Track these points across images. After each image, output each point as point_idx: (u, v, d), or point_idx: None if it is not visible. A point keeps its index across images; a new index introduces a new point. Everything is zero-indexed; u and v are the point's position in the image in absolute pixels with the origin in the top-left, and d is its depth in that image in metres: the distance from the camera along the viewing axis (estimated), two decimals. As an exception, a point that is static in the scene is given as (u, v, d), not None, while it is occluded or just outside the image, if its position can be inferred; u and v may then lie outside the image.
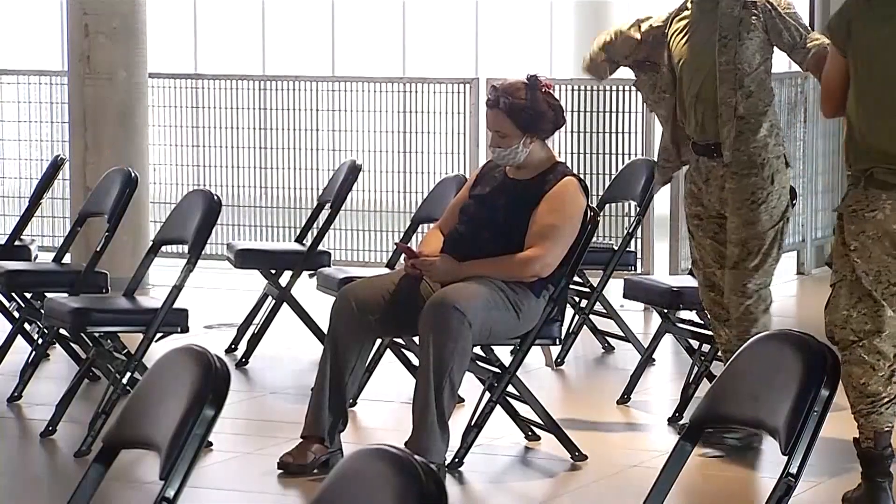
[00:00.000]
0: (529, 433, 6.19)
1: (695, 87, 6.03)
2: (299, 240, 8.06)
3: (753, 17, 5.96)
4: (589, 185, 6.40)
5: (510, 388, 5.94)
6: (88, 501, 3.35)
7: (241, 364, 7.58)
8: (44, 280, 7.32)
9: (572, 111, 9.54)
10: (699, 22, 6.05)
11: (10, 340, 7.26)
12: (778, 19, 5.94)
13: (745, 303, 5.97)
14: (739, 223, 5.98)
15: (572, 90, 9.84)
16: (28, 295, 7.22)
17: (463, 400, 6.14)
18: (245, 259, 7.85)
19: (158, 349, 5.40)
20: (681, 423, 6.31)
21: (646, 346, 7.32)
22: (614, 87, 9.99)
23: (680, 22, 6.12)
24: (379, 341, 6.41)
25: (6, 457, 6.32)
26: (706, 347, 6.70)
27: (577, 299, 7.67)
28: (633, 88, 9.88)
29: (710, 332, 6.85)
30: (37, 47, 15.24)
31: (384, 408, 6.75)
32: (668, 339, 7.34)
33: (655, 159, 7.53)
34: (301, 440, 5.77)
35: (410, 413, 5.62)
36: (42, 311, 6.70)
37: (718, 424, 3.67)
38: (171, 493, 2.99)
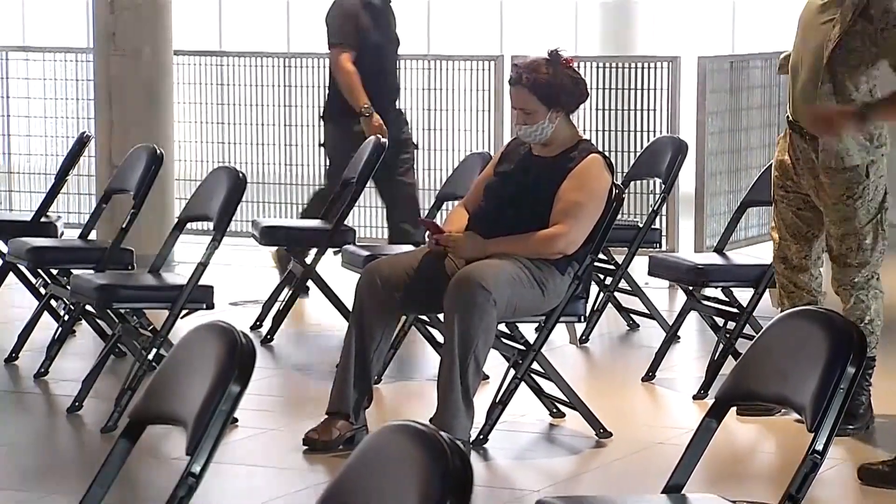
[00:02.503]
0: (554, 410, 6.20)
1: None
2: (324, 217, 8.06)
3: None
4: (614, 163, 6.38)
5: (535, 366, 5.95)
6: (115, 477, 3.37)
7: (267, 341, 7.59)
8: (70, 256, 7.33)
9: (597, 88, 9.52)
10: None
11: (36, 317, 7.28)
12: None
13: (856, 294, 5.90)
14: (836, 219, 5.89)
15: (598, 67, 9.82)
16: (54, 271, 7.25)
17: (488, 377, 6.14)
18: (270, 236, 7.86)
19: (184, 326, 5.42)
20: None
21: (671, 324, 7.31)
22: (640, 64, 9.97)
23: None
24: (404, 318, 6.42)
25: (33, 432, 6.35)
26: (731, 325, 6.70)
27: (601, 277, 7.66)
28: (659, 65, 9.91)
29: (735, 310, 6.86)
30: (63, 24, 15.26)
31: (409, 385, 6.76)
32: (693, 317, 7.33)
33: (683, 141, 7.53)
34: (326, 416, 5.78)
35: (435, 390, 5.63)
36: (68, 288, 6.73)
37: (744, 401, 3.65)
38: (197, 468, 3.00)
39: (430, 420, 5.38)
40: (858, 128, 5.68)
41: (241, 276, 9.02)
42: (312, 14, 15.72)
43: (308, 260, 7.66)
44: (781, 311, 5.97)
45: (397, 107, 8.84)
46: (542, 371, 5.99)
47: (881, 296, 5.99)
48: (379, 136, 7.89)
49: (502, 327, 5.88)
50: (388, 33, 8.61)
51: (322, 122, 8.80)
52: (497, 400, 5.91)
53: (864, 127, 5.73)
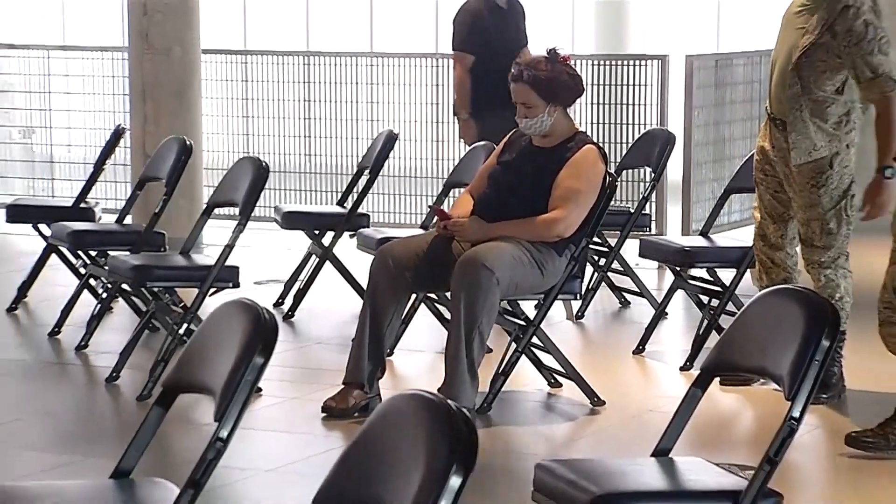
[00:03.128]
0: (552, 380, 6.20)
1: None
2: (341, 203, 8.07)
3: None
4: (608, 153, 6.37)
5: (534, 340, 5.95)
6: (149, 441, 3.38)
7: (288, 317, 7.60)
8: (107, 239, 7.34)
9: (593, 84, 9.51)
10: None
11: (76, 295, 7.30)
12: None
13: (824, 273, 5.90)
14: (802, 204, 5.89)
15: (593, 64, 9.81)
16: (93, 253, 7.26)
17: (491, 350, 6.14)
18: (291, 220, 7.86)
19: (212, 303, 5.42)
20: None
21: (659, 301, 7.31)
22: (631, 62, 9.96)
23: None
24: (414, 296, 6.42)
25: (74, 400, 6.35)
26: (715, 302, 6.71)
27: (596, 258, 7.65)
28: (649, 63, 9.89)
29: (719, 288, 6.86)
30: (100, 25, 15.25)
31: (419, 357, 6.76)
32: (679, 295, 7.33)
33: (672, 132, 7.53)
34: (343, 386, 5.79)
35: (443, 362, 5.63)
36: (106, 268, 6.73)
37: (727, 372, 3.65)
38: (224, 433, 3.00)
39: (438, 389, 5.39)
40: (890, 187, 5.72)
41: (265, 258, 9.02)
42: (329, 16, 15.73)
43: (326, 242, 7.67)
44: (760, 286, 5.99)
45: None
46: (542, 345, 5.99)
47: (849, 275, 6.00)
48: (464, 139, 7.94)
49: (504, 304, 5.88)
50: (512, 35, 8.47)
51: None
52: (500, 371, 5.91)
53: (809, 142, 5.79)
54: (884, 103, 5.69)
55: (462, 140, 8.45)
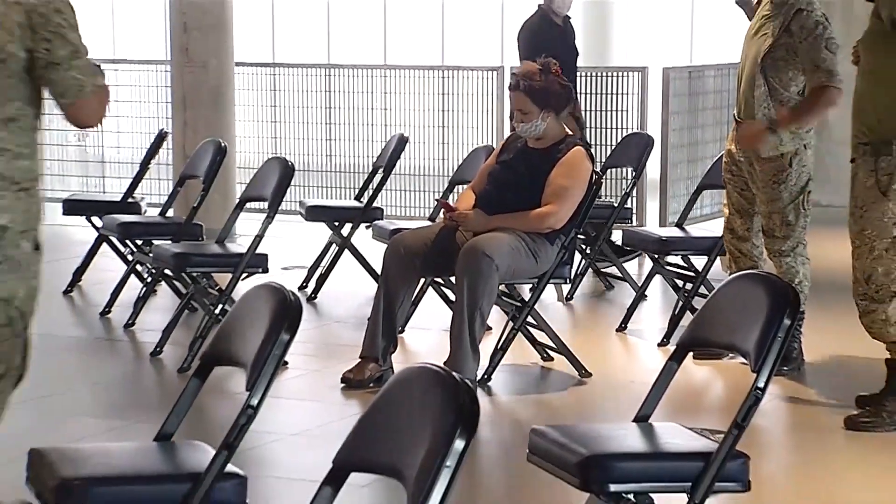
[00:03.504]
0: (545, 355, 6.19)
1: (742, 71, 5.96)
2: (357, 198, 8.06)
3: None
4: (594, 154, 6.36)
5: (529, 319, 5.95)
6: (188, 408, 3.38)
7: (311, 299, 7.60)
8: (151, 230, 7.34)
9: (580, 93, 9.49)
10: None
11: (124, 279, 7.31)
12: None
13: (784, 261, 5.89)
14: (765, 199, 5.88)
15: (580, 76, 9.77)
16: (139, 242, 7.27)
17: (490, 328, 6.14)
18: (313, 213, 7.85)
19: (244, 286, 5.42)
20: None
21: (639, 285, 7.30)
22: (615, 73, 9.95)
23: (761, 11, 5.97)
24: (422, 280, 6.41)
25: (122, 372, 6.36)
26: (689, 286, 6.71)
27: (584, 246, 7.65)
28: (631, 74, 9.88)
29: (692, 273, 6.85)
30: (145, 41, 15.25)
31: (427, 334, 6.76)
32: (657, 279, 7.32)
33: (651, 136, 7.53)
34: (359, 360, 5.78)
35: (448, 338, 5.63)
36: (150, 255, 6.74)
37: (699, 348, 3.64)
38: (254, 401, 3.01)
39: (444, 363, 5.38)
40: (766, 141, 5.71)
41: (290, 246, 9.01)
42: (348, 31, 15.73)
43: (344, 233, 7.67)
44: (730, 273, 5.97)
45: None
46: (535, 323, 5.99)
47: (807, 262, 5.98)
48: None
49: (503, 288, 5.88)
50: (566, 48, 8.39)
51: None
52: (498, 346, 5.91)
53: (776, 137, 5.77)
54: (818, 91, 5.67)
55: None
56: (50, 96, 3.42)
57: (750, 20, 6.15)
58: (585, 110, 9.70)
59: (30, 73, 3.35)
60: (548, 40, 8.22)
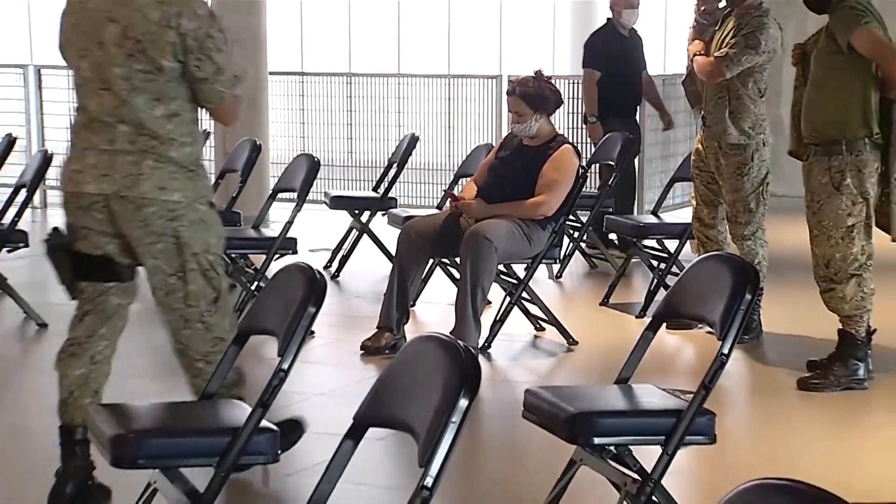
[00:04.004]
0: (537, 326, 6.20)
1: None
2: (375, 189, 8.05)
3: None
4: (581, 151, 6.35)
5: (524, 294, 5.95)
6: (228, 371, 3.38)
7: (335, 277, 7.60)
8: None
9: (569, 98, 9.44)
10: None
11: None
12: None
13: (746, 244, 5.91)
14: (729, 189, 5.89)
15: (569, 83, 9.76)
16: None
17: (490, 302, 6.13)
18: (336, 202, 7.85)
19: (276, 266, 5.41)
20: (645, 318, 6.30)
21: (620, 265, 7.30)
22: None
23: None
24: (431, 261, 6.41)
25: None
26: (663, 266, 6.71)
27: (572, 231, 7.64)
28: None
29: (665, 255, 6.84)
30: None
31: (435, 308, 6.76)
32: (635, 260, 7.32)
33: (630, 134, 7.51)
34: (376, 330, 5.79)
35: (453, 311, 5.63)
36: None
37: (672, 319, 3.63)
38: (285, 365, 3.01)
39: (450, 332, 5.38)
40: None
41: (317, 231, 9.01)
42: (367, 43, 15.71)
43: (363, 220, 7.67)
44: (698, 255, 5.98)
45: (636, 114, 8.71)
46: (529, 298, 5.99)
47: (766, 245, 6.00)
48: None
49: (501, 267, 5.88)
50: (631, 58, 8.34)
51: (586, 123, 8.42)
52: (497, 318, 5.91)
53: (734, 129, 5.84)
54: (718, 59, 5.75)
55: (590, 139, 8.31)
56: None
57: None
58: (573, 113, 9.69)
59: (184, 77, 3.69)
60: (612, 50, 8.20)
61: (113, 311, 3.94)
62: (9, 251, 6.55)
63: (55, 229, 3.81)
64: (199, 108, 3.81)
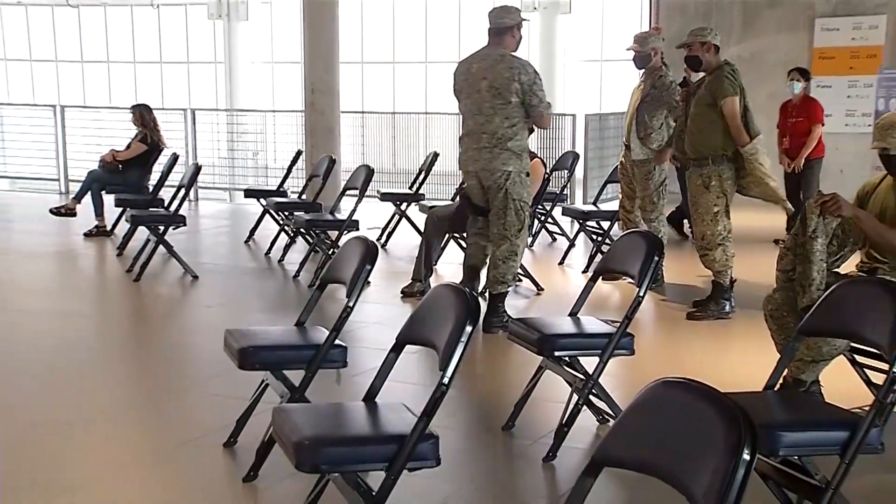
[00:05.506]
0: (518, 280, 6.12)
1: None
2: (410, 188, 8.02)
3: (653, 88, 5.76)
4: (546, 162, 6.29)
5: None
6: (313, 307, 3.36)
7: (383, 246, 7.58)
8: (293, 206, 7.33)
9: (537, 129, 9.40)
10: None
11: (278, 234, 7.32)
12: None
13: (652, 224, 5.86)
14: (640, 189, 5.88)
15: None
16: (286, 213, 7.26)
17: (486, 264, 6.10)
18: (385, 197, 7.82)
19: (345, 238, 5.40)
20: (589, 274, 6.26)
21: (571, 237, 7.26)
22: (558, 117, 9.83)
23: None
24: (447, 236, 6.39)
25: (277, 287, 6.34)
26: (599, 238, 6.67)
27: (540, 216, 7.60)
28: (567, 118, 9.77)
29: (601, 231, 6.80)
30: (292, 99, 15.22)
31: (450, 267, 6.73)
32: (582, 235, 7.28)
33: (577, 153, 7.48)
34: (411, 280, 5.78)
35: (461, 270, 5.60)
36: (293, 221, 6.74)
37: (607, 273, 3.60)
38: (352, 303, 2.99)
39: (460, 283, 5.35)
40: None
41: (371, 215, 9.00)
42: (408, 91, 15.61)
43: (403, 208, 7.63)
44: (622, 231, 5.95)
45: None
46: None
47: (665, 224, 6.02)
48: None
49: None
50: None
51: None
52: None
53: (647, 151, 5.76)
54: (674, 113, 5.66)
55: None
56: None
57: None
58: (541, 138, 9.63)
59: (521, 105, 4.75)
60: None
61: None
62: (174, 229, 6.60)
63: (463, 191, 5.07)
64: (529, 122, 4.79)
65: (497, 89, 4.73)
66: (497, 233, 4.85)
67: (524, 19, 4.87)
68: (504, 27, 4.74)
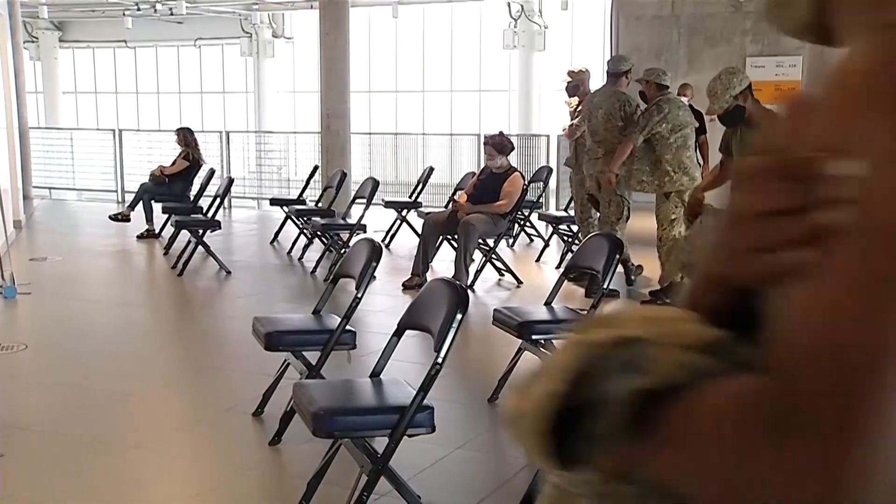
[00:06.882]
0: (501, 273, 6.13)
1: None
2: (410, 196, 7.97)
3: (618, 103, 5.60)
4: (525, 175, 6.28)
5: (493, 256, 5.88)
6: (328, 298, 3.32)
7: (387, 246, 7.53)
8: (311, 213, 7.26)
9: (519, 146, 9.36)
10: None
11: (298, 236, 7.25)
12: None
13: (614, 227, 5.66)
14: (604, 196, 5.66)
15: (518, 138, 9.65)
16: (305, 218, 7.21)
17: (474, 260, 6.06)
18: (388, 204, 7.77)
19: (355, 239, 5.36)
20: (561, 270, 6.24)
21: (546, 239, 7.23)
22: (533, 138, 9.82)
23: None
24: (441, 237, 6.36)
25: (297, 280, 6.30)
26: (570, 239, 6.64)
27: (520, 220, 7.57)
28: (541, 138, 9.74)
29: (572, 233, 6.77)
30: (309, 122, 15.13)
31: (443, 264, 6.69)
32: (555, 237, 7.25)
33: (551, 167, 7.44)
34: (410, 275, 5.74)
35: (453, 266, 5.57)
36: (310, 225, 6.69)
37: (576, 271, 3.57)
38: (360, 294, 2.96)
39: (451, 277, 5.33)
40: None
41: (377, 220, 8.96)
42: (409, 114, 15.57)
43: (404, 213, 7.59)
44: (582, 235, 5.94)
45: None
46: (496, 257, 5.93)
47: (625, 227, 5.89)
48: None
49: (480, 240, 5.81)
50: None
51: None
52: (478, 269, 5.84)
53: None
54: (629, 141, 5.38)
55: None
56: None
57: None
58: (520, 155, 9.60)
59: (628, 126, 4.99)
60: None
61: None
62: (211, 232, 6.59)
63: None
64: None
65: (609, 114, 5.30)
66: (607, 219, 5.40)
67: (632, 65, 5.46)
68: (619, 72, 5.35)
